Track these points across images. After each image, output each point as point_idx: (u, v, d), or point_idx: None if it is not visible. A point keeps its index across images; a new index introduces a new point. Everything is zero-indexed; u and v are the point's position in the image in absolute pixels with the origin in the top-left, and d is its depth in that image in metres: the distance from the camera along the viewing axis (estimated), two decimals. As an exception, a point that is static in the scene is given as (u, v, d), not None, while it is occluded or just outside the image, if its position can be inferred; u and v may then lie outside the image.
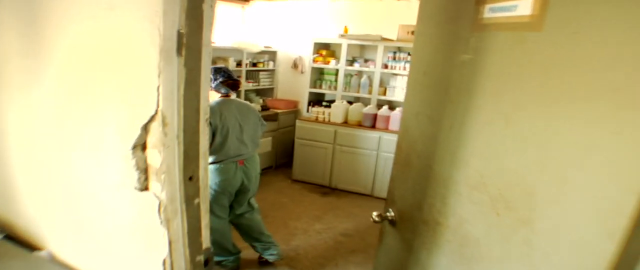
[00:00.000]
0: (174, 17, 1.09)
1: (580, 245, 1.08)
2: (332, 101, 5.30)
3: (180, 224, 1.25)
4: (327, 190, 5.09)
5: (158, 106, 1.12)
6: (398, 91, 4.93)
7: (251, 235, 3.30)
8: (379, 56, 4.94)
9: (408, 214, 1.68)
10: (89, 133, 1.30)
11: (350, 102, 5.28)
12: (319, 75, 5.59)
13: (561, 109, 1.10)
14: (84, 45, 1.23)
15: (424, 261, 1.60)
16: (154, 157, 1.19)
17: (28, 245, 1.62)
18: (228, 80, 2.96)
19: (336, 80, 5.37)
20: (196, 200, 1.28)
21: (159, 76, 1.10)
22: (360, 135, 4.84)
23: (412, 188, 1.67)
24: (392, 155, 4.66)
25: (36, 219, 1.63)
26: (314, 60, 5.40)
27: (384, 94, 5.07)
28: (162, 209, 1.22)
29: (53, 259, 1.56)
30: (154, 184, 1.22)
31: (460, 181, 1.44)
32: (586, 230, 1.06)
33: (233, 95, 3.07)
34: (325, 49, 5.46)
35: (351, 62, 5.29)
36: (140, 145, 1.20)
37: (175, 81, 1.13)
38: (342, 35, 5.18)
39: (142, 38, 1.10)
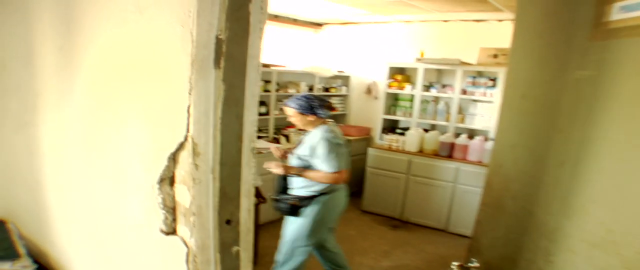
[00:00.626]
0: (211, 19, 0.87)
1: None
2: (407, 129, 4.99)
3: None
4: (398, 223, 4.74)
5: (188, 131, 0.90)
6: (478, 119, 4.51)
7: (337, 263, 3.05)
8: (458, 81, 4.58)
9: (498, 268, 1.34)
10: (112, 158, 1.12)
11: (426, 130, 4.95)
12: (393, 101, 5.31)
13: None
14: (112, 54, 1.07)
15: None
16: (183, 194, 0.96)
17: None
18: (325, 103, 2.84)
19: (411, 107, 5.03)
20: (235, 249, 1.03)
21: (189, 93, 0.88)
22: (435, 166, 4.47)
23: (504, 236, 1.35)
24: (470, 188, 4.30)
25: (67, 251, 1.48)
26: (389, 86, 5.12)
27: (462, 121, 4.67)
28: (190, 259, 0.98)
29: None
30: (182, 227, 0.99)
31: (574, 235, 1.11)
32: None
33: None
34: (400, 74, 5.18)
35: (428, 87, 4.97)
36: (168, 179, 0.98)
37: (211, 100, 0.91)
38: (418, 59, 4.87)
39: (173, 45, 0.89)
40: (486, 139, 4.38)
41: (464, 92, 4.62)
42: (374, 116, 5.57)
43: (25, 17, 1.37)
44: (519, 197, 1.29)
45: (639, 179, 0.95)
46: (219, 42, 0.89)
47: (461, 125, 4.68)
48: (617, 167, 1.01)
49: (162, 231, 1.01)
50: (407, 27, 5.36)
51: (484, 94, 4.49)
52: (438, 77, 5.17)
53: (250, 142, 1.02)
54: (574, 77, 1.13)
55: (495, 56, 4.40)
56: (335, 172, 2.56)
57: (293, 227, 2.72)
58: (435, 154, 4.60)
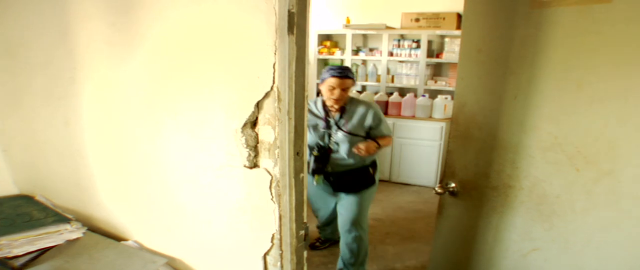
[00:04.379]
0: (286, -3, 1.15)
1: None
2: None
3: (288, 199, 1.31)
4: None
5: (273, 82, 1.17)
6: (406, 78, 5.03)
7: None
8: (384, 45, 5.04)
9: (472, 184, 1.77)
10: (190, 115, 1.34)
11: (359, 92, 5.38)
12: (324, 66, 5.62)
13: (636, 69, 1.23)
14: (183, 28, 1.26)
15: (496, 224, 1.70)
16: (267, 133, 1.24)
17: (111, 237, 1.64)
18: None
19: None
20: (301, 175, 1.34)
21: (275, 54, 1.15)
22: None
23: (475, 158, 1.76)
24: (407, 140, 4.84)
25: (116, 210, 1.66)
26: (319, 52, 5.45)
27: (392, 81, 5.16)
28: (273, 185, 1.27)
29: (143, 248, 1.59)
30: (265, 160, 1.27)
31: (531, 145, 1.54)
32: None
33: None
34: (328, 40, 5.51)
35: (356, 51, 5.37)
36: (250, 123, 1.25)
37: (286, 58, 1.18)
38: (345, 26, 5.24)
39: (257, 17, 1.14)
40: (415, 96, 4.89)
41: (391, 54, 5.07)
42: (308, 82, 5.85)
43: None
44: (483, 127, 1.70)
45: (573, 100, 1.39)
46: (291, 15, 1.17)
47: (392, 84, 5.14)
48: (557, 94, 1.44)
49: (245, 166, 1.28)
50: (332, -5, 5.63)
51: (409, 55, 4.97)
52: (365, 41, 5.56)
53: (306, 91, 1.32)
54: (520, 34, 1.53)
55: (417, 20, 4.89)
56: (390, 135, 2.78)
57: (366, 196, 2.80)
58: None
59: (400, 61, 5.13)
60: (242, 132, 1.26)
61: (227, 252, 1.46)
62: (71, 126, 1.63)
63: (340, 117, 2.66)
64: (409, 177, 5.01)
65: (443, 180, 1.90)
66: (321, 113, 2.69)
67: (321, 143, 2.67)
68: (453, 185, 1.84)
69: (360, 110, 2.66)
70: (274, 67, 1.16)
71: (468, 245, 1.87)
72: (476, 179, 1.76)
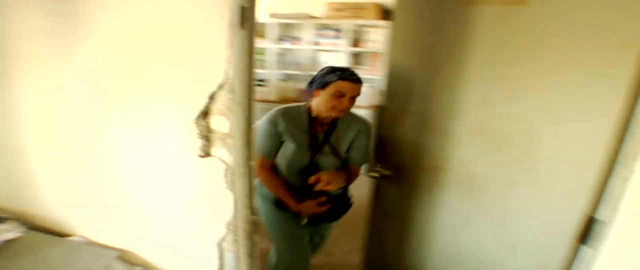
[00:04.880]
0: (239, -8, 1.19)
1: (577, 162, 1.40)
2: (264, 80, 5.40)
3: (242, 186, 1.36)
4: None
5: (227, 75, 1.22)
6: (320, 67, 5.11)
7: None
8: (308, 34, 5.12)
9: (405, 167, 1.92)
10: (140, 107, 1.34)
11: (284, 80, 5.43)
12: (248, 55, 5.60)
13: (550, 63, 1.43)
14: (137, 21, 1.26)
15: (429, 203, 1.86)
16: (221, 123, 1.28)
17: (56, 235, 1.60)
18: None
19: (266, 59, 5.47)
20: (252, 162, 1.40)
21: (228, 47, 1.20)
22: None
23: (407, 144, 1.90)
24: None
25: (61, 206, 1.61)
26: (242, 41, 5.40)
27: (315, 69, 5.23)
28: (228, 173, 1.32)
29: (90, 243, 1.57)
30: (219, 149, 1.31)
31: (459, 131, 1.70)
32: (582, 151, 1.38)
33: None
34: (252, 29, 5.48)
35: (280, 40, 5.41)
36: (204, 113, 1.28)
37: (239, 52, 1.23)
38: (270, 15, 5.25)
39: (211, 12, 1.18)
40: None
41: (314, 43, 5.14)
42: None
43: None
44: (414, 114, 1.84)
45: (496, 91, 1.55)
46: (243, 10, 1.21)
47: (315, 73, 5.22)
48: (482, 85, 1.60)
49: (200, 156, 1.32)
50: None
51: (333, 45, 5.07)
52: (288, 30, 5.60)
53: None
54: (449, 30, 1.67)
55: (340, 10, 4.99)
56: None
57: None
58: (296, 101, 5.07)
59: (324, 50, 5.24)
60: (196, 122, 1.29)
61: (182, 241, 1.49)
62: (6, 120, 1.56)
63: (328, 134, 2.02)
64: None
65: (376, 165, 2.02)
66: (305, 127, 2.00)
67: (302, 168, 1.99)
68: (387, 169, 1.97)
69: (355, 128, 2.06)
70: (227, 60, 1.21)
71: (403, 225, 2.02)
72: (409, 162, 1.91)
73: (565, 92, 1.41)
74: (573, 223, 1.45)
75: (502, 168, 1.61)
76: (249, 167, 1.38)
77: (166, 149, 1.36)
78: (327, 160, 2.00)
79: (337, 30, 5.11)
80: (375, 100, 4.61)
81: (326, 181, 1.93)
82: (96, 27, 1.32)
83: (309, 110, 2.02)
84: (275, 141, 1.96)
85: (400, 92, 1.92)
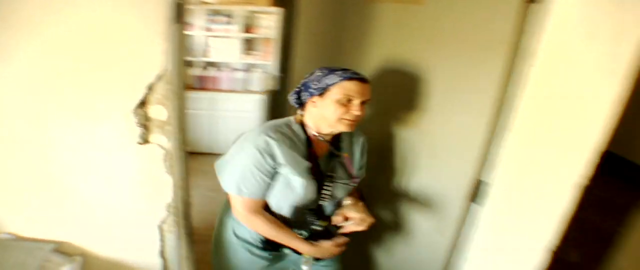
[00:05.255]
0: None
1: (467, 136, 1.70)
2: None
3: (179, 170, 1.47)
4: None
5: (164, 66, 1.32)
6: (222, 52, 5.10)
7: None
8: (198, 19, 5.00)
9: None
10: (78, 101, 1.37)
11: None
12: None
13: (443, 54, 1.69)
14: (75, 21, 1.30)
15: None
16: (159, 111, 1.37)
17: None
18: None
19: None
20: (186, 148, 1.50)
21: (165, 40, 1.29)
22: (192, 98, 4.93)
23: None
24: (227, 113, 4.94)
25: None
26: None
27: (208, 55, 5.16)
28: (167, 158, 1.41)
29: (21, 239, 1.55)
30: (158, 136, 1.40)
31: (366, 112, 1.89)
32: (470, 127, 1.68)
33: None
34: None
35: (171, 26, 5.20)
36: (143, 103, 1.36)
37: (174, 44, 1.33)
38: (160, 0, 5.06)
39: (149, 7, 1.26)
40: (231, 70, 5.08)
41: (206, 29, 5.02)
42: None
43: None
44: None
45: (399, 79, 1.80)
46: (178, 5, 1.32)
47: (208, 59, 5.16)
48: (385, 74, 1.83)
49: (139, 143, 1.39)
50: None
51: (225, 31, 5.02)
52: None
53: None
54: (350, 23, 1.87)
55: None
56: None
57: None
58: (190, 87, 4.97)
59: (215, 36, 5.14)
60: (134, 112, 1.37)
61: (123, 227, 1.55)
62: None
63: (334, 152, 1.57)
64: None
65: None
66: (304, 151, 1.49)
67: (309, 202, 1.51)
68: None
69: (358, 139, 1.68)
70: (164, 53, 1.31)
71: None
72: None
73: (455, 78, 1.69)
74: (465, 185, 1.73)
75: (407, 143, 1.87)
76: (184, 152, 1.49)
77: (105, 139, 1.42)
78: (339, 189, 1.56)
79: (228, 16, 5.05)
80: (269, 85, 4.79)
81: (359, 221, 1.51)
82: (36, 23, 1.33)
83: (302, 127, 1.52)
84: (270, 176, 1.44)
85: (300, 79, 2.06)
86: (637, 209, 2.05)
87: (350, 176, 1.58)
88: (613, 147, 1.34)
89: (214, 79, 4.97)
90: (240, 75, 4.97)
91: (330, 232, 1.52)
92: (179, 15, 1.33)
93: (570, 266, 2.62)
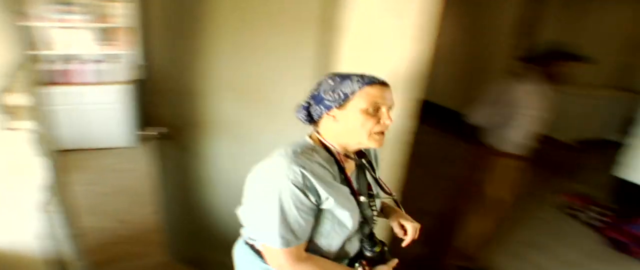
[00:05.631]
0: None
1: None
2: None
3: (51, 151, 1.63)
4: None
5: (24, 54, 1.47)
6: (72, 44, 4.78)
7: None
8: (47, 10, 4.51)
9: (182, 126, 2.25)
10: None
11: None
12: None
13: (278, 31, 1.90)
14: None
15: (209, 153, 2.29)
16: (24, 98, 1.52)
17: None
18: None
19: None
20: (53, 130, 1.68)
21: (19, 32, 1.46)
22: (51, 93, 4.50)
23: (178, 106, 2.22)
24: (87, 106, 4.74)
25: None
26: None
27: (54, 49, 4.72)
28: (40, 141, 1.57)
29: None
30: (26, 122, 1.54)
31: (219, 89, 2.10)
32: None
33: None
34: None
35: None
36: (6, 90, 1.49)
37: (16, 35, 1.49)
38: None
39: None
40: (85, 62, 4.85)
41: (55, 20, 4.68)
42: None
43: None
44: (178, 80, 2.15)
45: (244, 55, 1.99)
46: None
47: (58, 52, 4.81)
48: (231, 50, 1.97)
49: (7, 129, 1.53)
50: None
51: (76, 21, 4.73)
52: (22, 6, 4.91)
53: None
54: (191, 5, 2.01)
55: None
56: None
57: None
58: (49, 83, 4.66)
59: (67, 27, 4.75)
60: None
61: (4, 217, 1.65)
62: None
63: (363, 165, 1.40)
64: (102, 141, 5.04)
65: (147, 128, 2.29)
66: (337, 174, 1.29)
67: (360, 229, 1.36)
68: (163, 130, 2.27)
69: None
70: (23, 42, 1.47)
71: (192, 176, 2.38)
72: (184, 121, 2.24)
73: (288, 51, 1.91)
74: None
75: (257, 117, 2.09)
76: (51, 133, 1.66)
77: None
78: (377, 204, 1.42)
79: (75, 5, 4.68)
80: (133, 75, 4.82)
81: (414, 230, 1.45)
82: None
83: (324, 147, 1.31)
84: (313, 215, 1.23)
85: (163, 64, 2.22)
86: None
87: (380, 186, 1.44)
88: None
89: (71, 72, 4.68)
90: (99, 66, 4.77)
91: (383, 255, 1.39)
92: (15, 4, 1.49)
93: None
